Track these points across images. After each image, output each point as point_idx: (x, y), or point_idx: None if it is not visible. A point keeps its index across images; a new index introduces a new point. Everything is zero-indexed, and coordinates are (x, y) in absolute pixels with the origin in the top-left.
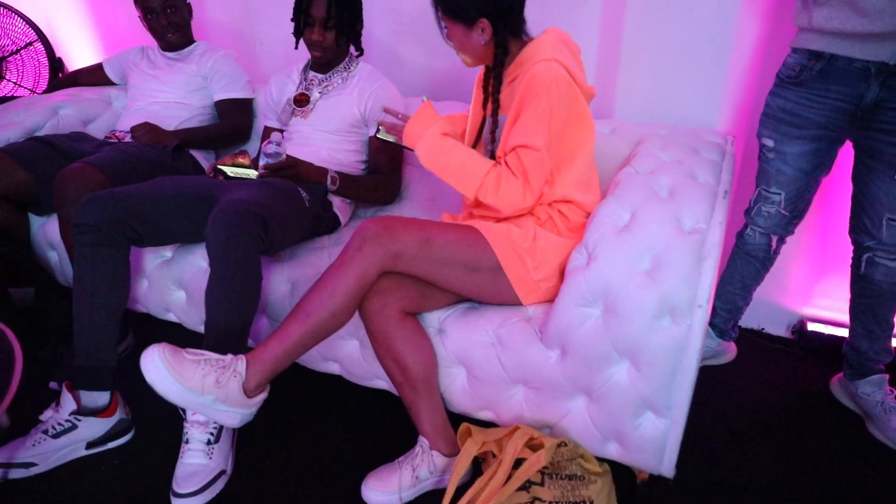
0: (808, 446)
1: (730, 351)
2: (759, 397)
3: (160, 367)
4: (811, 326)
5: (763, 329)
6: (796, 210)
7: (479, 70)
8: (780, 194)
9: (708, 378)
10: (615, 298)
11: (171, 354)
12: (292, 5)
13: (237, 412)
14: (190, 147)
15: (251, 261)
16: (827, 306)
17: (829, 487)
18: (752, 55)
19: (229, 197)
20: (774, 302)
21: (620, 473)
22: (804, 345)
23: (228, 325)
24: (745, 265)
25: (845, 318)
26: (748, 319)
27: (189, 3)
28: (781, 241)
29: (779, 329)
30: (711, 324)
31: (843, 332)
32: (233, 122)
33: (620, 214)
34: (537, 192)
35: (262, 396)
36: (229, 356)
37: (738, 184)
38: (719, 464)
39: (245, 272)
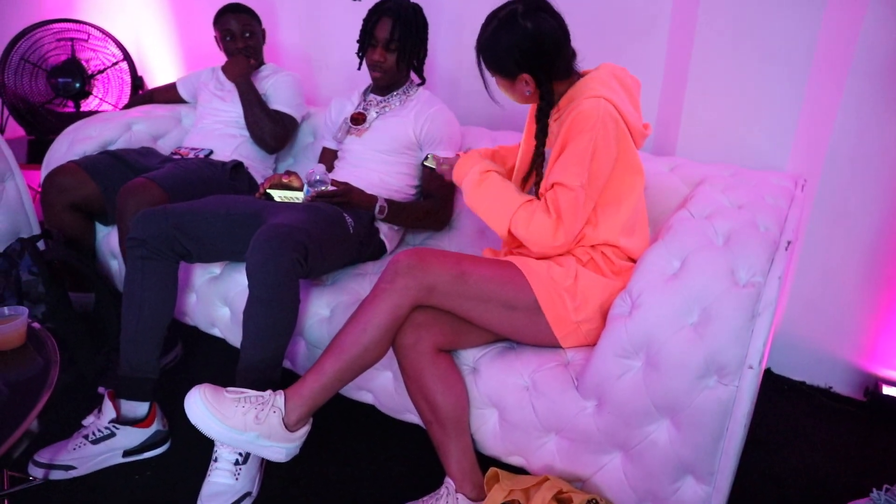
0: None
1: None
2: (820, 463)
3: (202, 408)
4: (887, 390)
5: (831, 388)
6: None
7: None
8: None
9: (761, 437)
10: (657, 351)
11: (212, 395)
12: (357, 35)
13: (281, 447)
14: (245, 101)
15: (289, 285)
16: None
17: None
18: (830, 92)
19: (272, 220)
20: (846, 360)
21: None
22: (877, 409)
23: (264, 346)
24: None
25: None
26: (815, 376)
27: (264, 29)
28: None
29: (849, 389)
30: None
31: None
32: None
33: (669, 261)
34: (571, 233)
35: (305, 430)
36: (268, 392)
37: (806, 233)
38: None
39: (282, 295)
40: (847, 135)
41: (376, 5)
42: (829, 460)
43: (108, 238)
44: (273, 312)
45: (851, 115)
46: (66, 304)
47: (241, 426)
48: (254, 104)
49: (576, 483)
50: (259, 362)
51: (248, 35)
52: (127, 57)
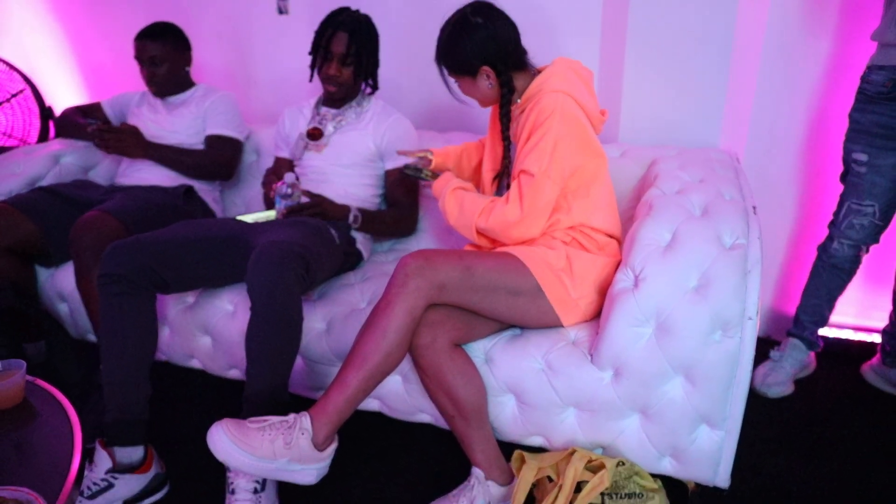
0: (841, 447)
1: (812, 361)
2: (781, 405)
3: (228, 444)
4: (821, 331)
5: (769, 337)
6: (887, 218)
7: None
8: (873, 206)
9: None
10: (668, 317)
11: (235, 428)
12: (286, 49)
13: (312, 469)
14: (163, 164)
15: (294, 302)
16: (840, 311)
17: (865, 484)
18: (747, 73)
19: (267, 239)
20: (782, 311)
21: (670, 488)
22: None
23: (273, 368)
24: (832, 278)
25: (859, 321)
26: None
27: (183, 55)
28: (867, 250)
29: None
30: (800, 337)
31: (858, 336)
32: (216, 155)
33: (662, 235)
34: (532, 213)
35: (333, 447)
36: (292, 415)
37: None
38: (756, 472)
39: (289, 314)
40: (764, 112)
41: (329, 18)
42: (786, 400)
43: (52, 280)
44: (280, 332)
45: (766, 92)
46: (21, 357)
47: (271, 454)
48: (175, 161)
49: (597, 450)
50: (269, 385)
51: (157, 64)
52: (31, 85)
